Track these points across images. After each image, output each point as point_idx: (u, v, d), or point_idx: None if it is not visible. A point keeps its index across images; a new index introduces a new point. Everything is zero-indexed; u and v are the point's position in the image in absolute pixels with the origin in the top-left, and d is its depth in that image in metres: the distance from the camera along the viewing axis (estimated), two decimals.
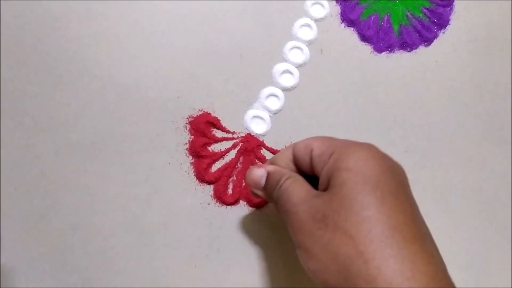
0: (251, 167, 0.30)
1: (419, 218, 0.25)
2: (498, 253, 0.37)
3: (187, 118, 0.36)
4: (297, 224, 0.25)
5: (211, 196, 0.36)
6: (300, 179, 0.28)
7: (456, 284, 0.37)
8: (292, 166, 0.30)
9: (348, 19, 0.38)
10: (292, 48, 0.38)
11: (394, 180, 0.25)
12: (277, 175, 0.28)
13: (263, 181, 0.29)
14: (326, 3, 0.38)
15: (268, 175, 0.29)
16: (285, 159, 0.30)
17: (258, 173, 0.30)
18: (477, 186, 0.38)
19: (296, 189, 0.27)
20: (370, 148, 0.26)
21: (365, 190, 0.24)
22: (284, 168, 0.29)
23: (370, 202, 0.23)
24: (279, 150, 0.36)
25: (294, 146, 0.29)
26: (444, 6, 0.39)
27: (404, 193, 0.25)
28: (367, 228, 0.23)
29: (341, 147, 0.26)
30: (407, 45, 0.38)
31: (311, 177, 0.28)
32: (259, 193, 0.30)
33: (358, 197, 0.24)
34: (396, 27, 0.38)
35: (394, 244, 0.22)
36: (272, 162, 0.31)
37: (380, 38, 0.38)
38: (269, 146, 0.37)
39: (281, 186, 0.28)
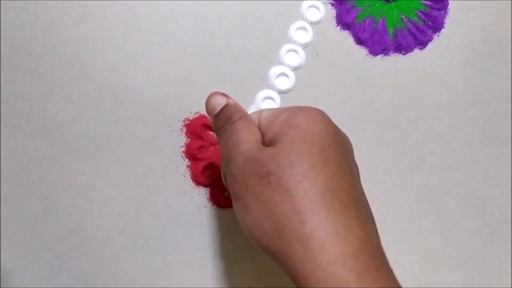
0: (214, 92, 0.29)
1: (358, 186, 0.25)
2: (493, 254, 0.38)
3: (183, 120, 0.37)
4: (240, 177, 0.25)
5: (207, 198, 0.36)
6: (253, 122, 0.27)
7: (451, 285, 0.37)
8: None
9: (343, 22, 0.39)
10: (288, 51, 0.38)
11: (339, 146, 0.25)
12: (234, 109, 0.27)
13: (218, 109, 0.28)
14: (321, 6, 0.39)
15: (226, 105, 0.28)
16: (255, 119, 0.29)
17: (219, 99, 0.28)
18: (473, 188, 0.38)
19: (247, 135, 0.26)
20: (320, 112, 0.26)
21: (312, 150, 0.24)
22: None
23: (315, 162, 0.24)
24: None
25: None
26: (438, 9, 0.39)
27: (347, 160, 0.25)
28: (308, 188, 0.23)
29: (291, 108, 0.27)
30: (402, 48, 0.39)
31: None
32: (211, 119, 0.29)
33: (305, 156, 0.24)
34: (391, 30, 0.39)
35: (331, 207, 0.23)
36: None
37: (375, 41, 0.39)
38: None
39: (233, 122, 0.26)
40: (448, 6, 0.39)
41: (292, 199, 0.23)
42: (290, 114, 0.26)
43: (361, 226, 0.23)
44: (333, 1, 0.39)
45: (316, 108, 0.27)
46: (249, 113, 0.29)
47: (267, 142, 0.26)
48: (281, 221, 0.23)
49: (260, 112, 0.28)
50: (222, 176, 0.29)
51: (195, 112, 0.37)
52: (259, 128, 0.27)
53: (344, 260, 0.22)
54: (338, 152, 0.25)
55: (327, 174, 0.23)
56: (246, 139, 0.26)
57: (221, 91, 0.29)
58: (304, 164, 0.24)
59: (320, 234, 0.22)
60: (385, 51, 0.39)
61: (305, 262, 0.22)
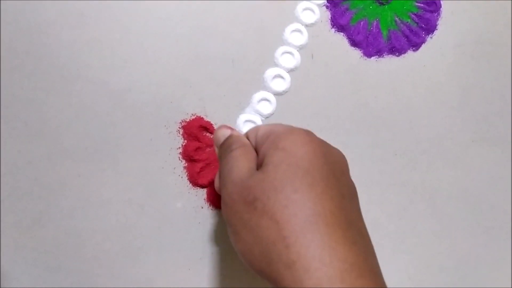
0: (221, 125, 0.31)
1: (348, 206, 0.25)
2: (488, 253, 0.38)
3: (180, 122, 0.37)
4: (229, 203, 0.26)
5: (204, 199, 0.36)
6: (250, 153, 0.27)
7: (444, 284, 0.38)
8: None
9: (338, 25, 0.39)
10: (283, 53, 0.38)
11: (326, 167, 0.25)
12: (235, 139, 0.29)
13: (222, 140, 0.30)
14: (316, 9, 0.39)
15: (229, 136, 0.30)
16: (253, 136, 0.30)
17: (224, 132, 0.30)
18: (465, 187, 0.39)
19: (240, 163, 0.27)
20: (306, 134, 0.26)
21: (297, 174, 0.24)
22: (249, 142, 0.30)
23: (299, 186, 0.24)
24: None
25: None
26: (431, 11, 0.40)
27: (336, 181, 0.25)
28: (293, 212, 0.23)
29: (280, 129, 0.27)
30: (396, 50, 0.39)
31: None
32: (217, 150, 0.31)
33: (289, 180, 0.24)
34: (385, 32, 0.39)
35: (316, 230, 0.23)
36: (246, 135, 0.31)
37: (369, 43, 0.39)
38: None
39: (232, 151, 0.28)
40: (441, 9, 0.40)
41: (278, 224, 0.23)
42: (276, 137, 0.26)
43: (349, 248, 0.23)
44: (327, 4, 0.39)
45: (302, 130, 0.27)
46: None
47: (258, 163, 0.26)
48: (268, 247, 0.23)
49: (258, 129, 0.29)
50: None
51: (192, 114, 0.37)
52: (256, 146, 0.28)
53: (330, 283, 0.22)
54: (325, 174, 0.24)
55: (312, 197, 0.23)
56: (239, 167, 0.26)
57: (228, 125, 0.31)
58: (288, 189, 0.24)
59: (305, 259, 0.22)
60: (379, 52, 0.39)
61: (292, 287, 0.22)
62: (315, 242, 0.22)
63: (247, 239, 0.24)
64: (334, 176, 0.25)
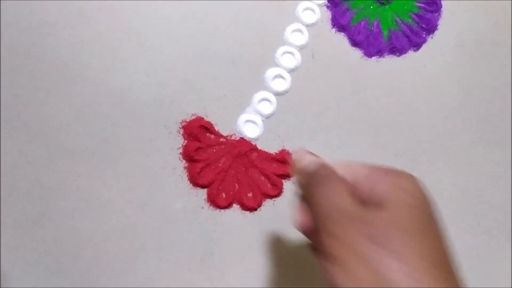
0: (303, 150, 0.29)
1: (449, 250, 0.26)
2: (486, 253, 0.38)
3: (181, 122, 0.37)
4: (342, 236, 0.24)
5: (204, 199, 0.36)
6: (350, 187, 0.26)
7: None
8: None
9: (339, 25, 0.39)
10: (284, 53, 0.38)
11: (434, 211, 0.26)
12: (332, 171, 0.27)
13: (312, 167, 0.28)
14: (317, 9, 0.39)
15: (323, 166, 0.28)
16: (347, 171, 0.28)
17: (310, 159, 0.28)
18: (466, 187, 0.39)
19: (345, 193, 0.25)
20: (416, 178, 0.26)
21: (423, 216, 0.24)
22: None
23: (426, 229, 0.24)
24: (272, 154, 0.37)
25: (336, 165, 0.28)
26: (432, 11, 0.40)
27: (440, 225, 0.26)
28: (421, 255, 0.23)
29: (392, 170, 0.26)
30: (397, 50, 0.39)
31: None
32: (298, 176, 0.29)
33: (417, 222, 0.24)
34: (385, 32, 0.39)
35: (443, 277, 0.23)
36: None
37: (370, 43, 0.39)
38: (262, 150, 0.37)
39: (331, 182, 0.26)
40: (442, 9, 0.40)
41: (407, 266, 0.23)
42: (395, 178, 0.26)
43: None
44: (328, 4, 0.39)
45: (408, 172, 0.26)
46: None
47: (369, 201, 0.25)
48: (390, 286, 0.22)
49: (352, 167, 0.27)
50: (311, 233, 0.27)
51: (192, 114, 0.37)
52: (356, 185, 0.27)
53: None
54: (435, 217, 0.25)
55: (435, 241, 0.24)
56: (345, 197, 0.25)
57: (309, 150, 0.29)
58: (416, 230, 0.24)
59: None
60: (379, 52, 0.39)
61: None
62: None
63: (363, 277, 0.23)
64: (438, 219, 0.26)
